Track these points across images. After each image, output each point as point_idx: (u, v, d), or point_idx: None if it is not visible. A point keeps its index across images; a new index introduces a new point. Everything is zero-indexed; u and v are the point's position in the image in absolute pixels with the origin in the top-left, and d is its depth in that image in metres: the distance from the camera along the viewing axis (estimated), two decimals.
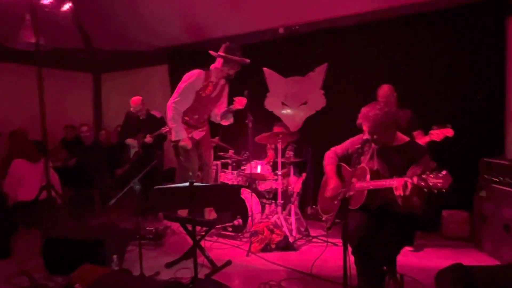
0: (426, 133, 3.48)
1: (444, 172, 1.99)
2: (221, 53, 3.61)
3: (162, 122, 5.20)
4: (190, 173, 3.62)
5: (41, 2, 4.04)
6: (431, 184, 1.98)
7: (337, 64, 5.05)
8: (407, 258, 3.46)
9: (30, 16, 4.14)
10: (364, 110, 2.41)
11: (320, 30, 5.09)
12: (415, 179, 2.03)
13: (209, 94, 3.74)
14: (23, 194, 4.35)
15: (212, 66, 3.71)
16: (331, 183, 2.56)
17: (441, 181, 1.97)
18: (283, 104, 5.46)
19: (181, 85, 3.68)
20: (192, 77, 3.64)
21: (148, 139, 5.15)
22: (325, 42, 5.11)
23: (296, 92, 5.34)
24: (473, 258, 3.47)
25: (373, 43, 4.74)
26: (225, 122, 4.02)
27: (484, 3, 4.12)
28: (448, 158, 4.06)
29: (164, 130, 4.98)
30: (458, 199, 4.06)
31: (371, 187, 2.28)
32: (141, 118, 5.36)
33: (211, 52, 3.65)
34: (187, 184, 2.58)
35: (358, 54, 4.83)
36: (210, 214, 3.48)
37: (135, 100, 5.35)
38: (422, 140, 3.38)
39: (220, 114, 3.95)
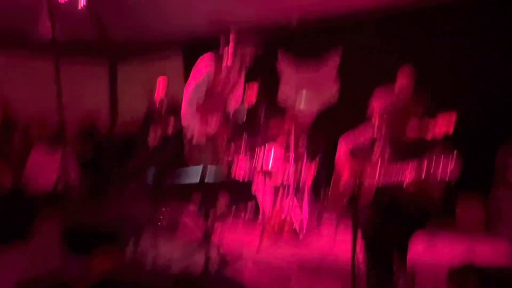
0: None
1: (454, 155, 1.94)
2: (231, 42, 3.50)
3: None
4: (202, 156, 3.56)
5: None
6: (442, 166, 1.94)
7: (351, 56, 4.99)
8: (419, 249, 3.39)
9: (47, 7, 4.23)
10: (373, 101, 2.39)
11: (334, 22, 5.02)
12: (425, 164, 2.00)
13: (221, 84, 3.68)
14: (43, 181, 4.49)
15: (223, 50, 3.55)
16: (344, 177, 2.54)
17: (451, 163, 1.92)
18: (296, 94, 5.43)
19: (194, 74, 3.60)
20: (204, 66, 3.52)
21: (170, 130, 5.08)
22: (339, 34, 5.08)
23: (310, 82, 5.31)
24: (488, 248, 3.40)
25: (387, 35, 4.69)
26: (238, 119, 3.93)
27: None
28: (466, 146, 4.01)
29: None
30: (474, 186, 4.00)
31: (381, 182, 2.26)
32: (163, 111, 5.32)
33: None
34: (199, 168, 2.57)
35: (372, 46, 4.77)
36: (222, 202, 3.49)
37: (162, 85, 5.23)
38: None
39: (232, 112, 3.84)
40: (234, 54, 3.48)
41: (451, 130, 3.40)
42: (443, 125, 3.35)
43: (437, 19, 4.46)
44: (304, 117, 5.23)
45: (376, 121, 2.41)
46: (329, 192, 2.78)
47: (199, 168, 3.62)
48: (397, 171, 2.23)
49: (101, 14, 6.07)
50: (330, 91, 5.18)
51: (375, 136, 2.40)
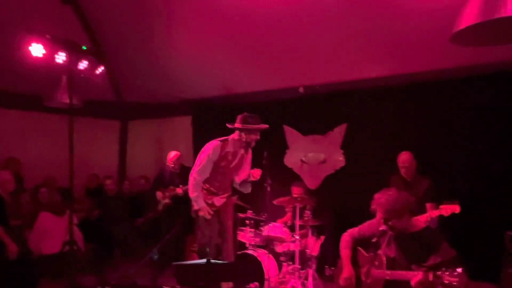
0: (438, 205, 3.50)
1: (459, 270, 1.97)
2: (237, 125, 3.71)
3: None
4: (207, 249, 3.64)
5: (78, 67, 4.32)
6: (446, 282, 1.96)
7: (357, 125, 5.11)
8: None
9: (67, 78, 4.45)
10: (376, 196, 2.45)
11: (340, 91, 5.20)
12: (430, 276, 2.01)
13: (228, 164, 3.82)
14: (47, 247, 4.50)
15: (230, 137, 3.82)
16: (346, 272, 2.54)
17: (456, 279, 1.94)
18: (302, 161, 5.51)
19: (200, 155, 3.79)
20: (209, 149, 3.73)
21: (180, 191, 5.13)
22: (345, 102, 5.21)
23: (316, 150, 5.40)
24: None
25: (393, 107, 4.80)
26: (243, 191, 4.06)
27: (506, 73, 4.15)
28: (473, 230, 4.01)
29: None
30: (483, 270, 3.94)
31: (388, 277, 2.26)
32: (174, 171, 5.40)
33: (228, 124, 3.74)
34: (204, 261, 2.62)
35: (378, 117, 4.88)
36: (227, 286, 3.48)
37: (173, 156, 5.33)
38: (433, 213, 3.44)
39: (239, 183, 4.01)
40: (238, 140, 3.75)
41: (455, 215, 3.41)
42: (446, 213, 3.37)
43: (440, 95, 4.58)
44: (310, 184, 5.29)
45: (380, 216, 2.45)
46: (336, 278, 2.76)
47: (204, 248, 3.71)
48: (406, 266, 2.23)
49: (117, 79, 6.38)
50: (336, 159, 5.25)
51: (380, 230, 2.42)
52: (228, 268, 2.83)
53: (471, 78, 4.35)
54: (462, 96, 4.42)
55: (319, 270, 4.57)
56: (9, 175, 4.10)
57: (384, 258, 2.35)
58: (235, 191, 4.66)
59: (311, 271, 4.19)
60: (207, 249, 3.58)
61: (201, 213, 3.74)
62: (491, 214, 4.05)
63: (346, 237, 2.76)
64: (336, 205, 4.75)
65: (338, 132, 5.22)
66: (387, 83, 4.83)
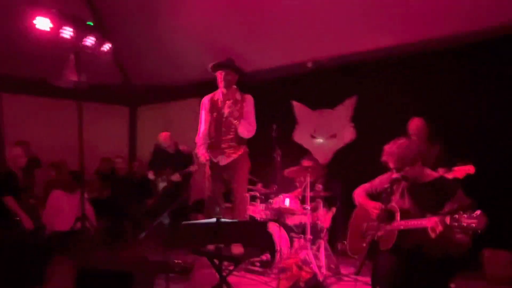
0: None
1: (478, 212, 1.89)
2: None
3: (190, 159, 5.27)
4: (217, 209, 3.63)
5: (84, 43, 4.32)
6: (464, 224, 1.89)
7: (366, 97, 5.03)
8: None
9: (74, 56, 4.46)
10: (386, 147, 2.39)
11: (348, 63, 5.11)
12: (447, 219, 1.94)
13: (219, 111, 3.85)
14: (60, 224, 4.54)
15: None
16: (370, 205, 2.48)
17: (475, 221, 1.87)
18: (312, 136, 5.45)
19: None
20: (202, 103, 4.01)
21: (176, 177, 5.20)
22: (354, 75, 5.13)
23: (325, 124, 5.33)
24: None
25: (403, 77, 4.71)
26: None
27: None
28: (490, 195, 3.90)
29: (192, 169, 5.05)
30: (501, 237, 3.85)
31: (402, 227, 2.19)
32: (169, 152, 5.44)
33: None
34: (213, 220, 2.59)
35: (388, 88, 4.79)
36: (237, 248, 3.44)
37: (164, 136, 5.44)
38: (446, 175, 3.30)
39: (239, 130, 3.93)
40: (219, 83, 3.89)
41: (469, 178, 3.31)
42: (460, 175, 3.27)
43: (450, 62, 4.46)
44: (320, 159, 5.22)
45: (391, 165, 2.38)
46: (348, 236, 2.71)
47: (213, 209, 3.70)
48: (420, 216, 2.16)
49: (123, 61, 6.39)
50: (346, 133, 5.17)
51: (393, 178, 2.35)
52: (238, 228, 2.79)
53: (481, 43, 4.23)
54: (473, 61, 4.30)
55: (331, 243, 4.53)
56: (20, 151, 4.14)
57: (397, 209, 2.29)
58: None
59: (322, 243, 4.15)
60: (217, 209, 3.56)
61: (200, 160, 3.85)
62: (507, 178, 3.93)
63: (359, 191, 2.71)
64: (347, 177, 4.67)
65: (348, 105, 5.14)
66: (396, 53, 4.74)
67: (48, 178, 5.01)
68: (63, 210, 4.55)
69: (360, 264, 2.15)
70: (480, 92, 4.25)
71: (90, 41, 4.32)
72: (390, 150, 2.34)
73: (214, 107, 3.89)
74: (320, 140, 5.40)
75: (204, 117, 3.96)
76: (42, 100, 6.49)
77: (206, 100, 4.04)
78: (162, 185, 5.39)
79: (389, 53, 4.77)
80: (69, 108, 5.41)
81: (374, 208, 2.43)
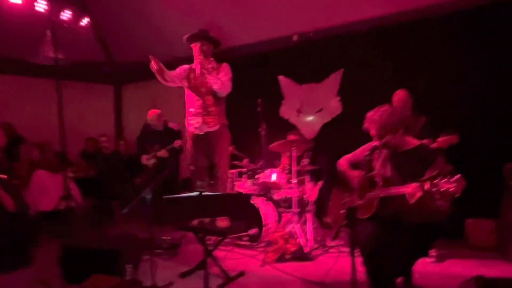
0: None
1: (457, 177, 1.89)
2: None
3: (178, 135, 5.20)
4: (201, 183, 3.62)
5: (61, 17, 4.17)
6: (443, 189, 1.88)
7: (353, 70, 4.98)
8: (428, 269, 3.31)
9: (51, 31, 4.31)
10: (369, 114, 2.37)
11: (334, 36, 5.03)
12: (427, 185, 1.94)
13: (194, 80, 3.88)
14: (45, 204, 4.50)
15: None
16: (352, 173, 2.47)
17: (453, 185, 1.86)
18: (298, 111, 5.41)
19: None
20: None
21: (163, 153, 5.14)
22: (339, 48, 5.06)
23: (312, 99, 5.28)
24: (499, 269, 3.28)
25: (388, 48, 4.65)
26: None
27: (499, 4, 3.98)
28: (473, 164, 3.94)
29: (176, 144, 4.99)
30: (482, 206, 3.92)
31: (382, 195, 2.20)
32: (158, 130, 5.37)
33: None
34: (195, 193, 2.57)
35: (374, 60, 4.74)
36: (222, 222, 3.45)
37: (152, 114, 5.33)
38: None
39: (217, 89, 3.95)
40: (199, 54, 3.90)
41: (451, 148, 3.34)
42: (444, 145, 3.30)
43: (435, 32, 4.42)
44: (307, 134, 5.21)
45: (373, 133, 2.37)
46: (329, 206, 2.72)
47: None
48: (401, 184, 2.16)
49: (106, 37, 6.21)
50: (333, 107, 5.14)
51: (373, 146, 2.34)
52: (221, 201, 2.78)
53: (465, 11, 4.18)
54: (458, 30, 4.27)
55: (317, 216, 4.57)
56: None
57: (379, 178, 2.29)
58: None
59: (309, 216, 4.18)
60: (199, 183, 3.56)
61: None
62: (490, 148, 3.97)
63: (342, 162, 2.71)
64: (334, 150, 4.66)
65: (334, 79, 5.09)
66: (381, 24, 4.66)
67: (31, 158, 4.91)
68: (47, 190, 4.49)
69: (337, 230, 2.16)
70: (465, 62, 4.23)
71: (66, 15, 4.16)
72: (372, 117, 2.32)
73: (191, 75, 3.83)
74: (306, 115, 5.37)
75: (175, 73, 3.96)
76: (23, 80, 6.32)
77: (182, 69, 4.03)
78: (151, 162, 5.32)
79: (375, 24, 4.70)
80: (51, 87, 5.29)
81: (356, 177, 2.43)
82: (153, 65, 3.66)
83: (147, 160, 5.32)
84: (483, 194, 3.90)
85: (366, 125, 2.37)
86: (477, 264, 3.48)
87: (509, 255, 3.51)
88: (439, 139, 3.41)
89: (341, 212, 2.20)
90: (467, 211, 3.94)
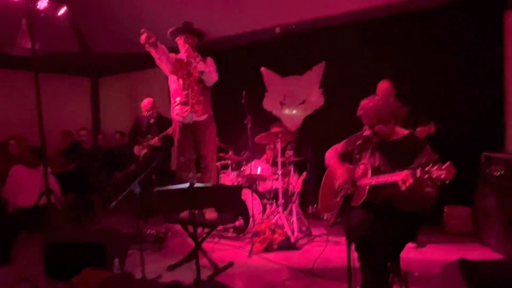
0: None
1: (447, 163, 1.96)
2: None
3: (171, 123, 5.10)
4: (190, 174, 3.60)
5: (37, 7, 4.01)
6: (434, 176, 1.95)
7: (335, 62, 5.05)
8: (411, 254, 3.45)
9: (26, 21, 4.14)
10: (363, 102, 2.41)
11: (316, 28, 5.08)
12: (418, 172, 2.01)
13: (183, 72, 3.83)
14: (23, 200, 4.34)
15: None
16: (340, 169, 2.52)
17: (444, 172, 1.93)
18: (281, 103, 5.45)
19: None
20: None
21: (155, 141, 5.04)
22: (322, 40, 5.11)
23: (294, 91, 5.33)
24: (477, 253, 3.46)
25: (370, 41, 4.75)
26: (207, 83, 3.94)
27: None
28: (448, 153, 4.07)
29: (170, 130, 4.90)
30: (459, 194, 4.07)
31: (373, 183, 2.25)
32: (151, 121, 5.25)
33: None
34: (186, 185, 2.57)
35: (356, 52, 4.82)
36: (211, 214, 3.45)
37: (148, 103, 5.19)
38: None
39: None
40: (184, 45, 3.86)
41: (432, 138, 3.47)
42: (422, 136, 3.43)
43: (416, 25, 4.54)
44: (290, 126, 5.26)
45: (365, 121, 2.42)
46: (320, 195, 2.77)
47: (185, 176, 3.68)
48: (390, 172, 2.22)
49: (82, 27, 6.01)
50: (315, 99, 5.21)
51: (365, 135, 2.39)
52: (211, 193, 2.78)
53: (445, 6, 4.31)
54: (439, 23, 4.41)
55: (302, 207, 4.65)
56: None
57: (368, 166, 2.35)
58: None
59: (294, 207, 4.24)
60: (190, 174, 3.54)
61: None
62: (467, 137, 4.15)
63: (330, 152, 2.75)
64: (317, 142, 4.74)
65: (317, 71, 5.15)
66: (363, 17, 4.74)
67: (8, 152, 4.73)
68: (26, 186, 4.33)
69: (335, 217, 2.21)
70: (443, 53, 4.37)
71: (42, 4, 4.01)
72: (367, 105, 2.36)
73: (178, 64, 3.80)
74: (289, 107, 5.41)
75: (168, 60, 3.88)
76: None
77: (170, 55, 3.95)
78: (142, 152, 5.20)
79: (357, 17, 4.76)
80: (26, 79, 5.09)
81: (341, 175, 2.47)
82: (143, 36, 3.59)
83: (139, 150, 5.21)
84: (460, 182, 4.05)
85: (359, 112, 2.42)
86: (456, 248, 3.65)
87: (484, 240, 3.69)
88: (418, 130, 3.54)
89: (336, 200, 2.26)
90: (445, 199, 4.10)
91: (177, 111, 3.78)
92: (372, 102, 2.35)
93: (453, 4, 4.27)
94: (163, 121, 5.18)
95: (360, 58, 4.78)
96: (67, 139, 6.07)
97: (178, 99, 3.79)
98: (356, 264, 2.21)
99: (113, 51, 6.60)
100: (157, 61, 3.81)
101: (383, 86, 3.88)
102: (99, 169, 5.52)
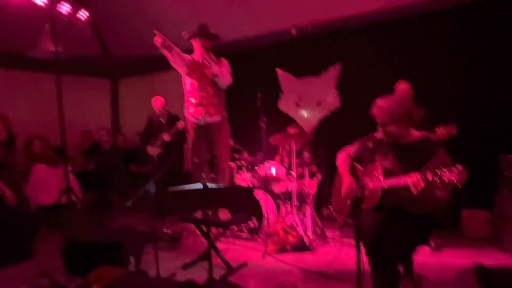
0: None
1: (459, 167, 1.94)
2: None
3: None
4: (204, 174, 3.65)
5: (60, 11, 4.15)
6: (445, 179, 1.94)
7: (350, 63, 5.02)
8: (426, 258, 3.39)
9: (49, 25, 4.29)
10: (378, 100, 2.40)
11: (332, 30, 5.07)
12: (429, 175, 1.99)
13: (198, 73, 3.89)
14: (44, 198, 4.50)
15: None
16: (345, 182, 2.52)
17: (455, 175, 1.92)
18: (296, 105, 5.45)
19: None
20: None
21: (166, 137, 5.09)
22: (338, 41, 5.09)
23: (310, 92, 5.32)
24: (494, 259, 3.37)
25: (387, 42, 4.70)
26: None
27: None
28: (467, 155, 4.00)
29: (180, 125, 4.96)
30: (478, 197, 3.99)
31: (386, 186, 2.24)
32: (163, 121, 5.31)
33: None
34: (200, 185, 2.61)
35: (372, 54, 4.78)
36: (224, 215, 3.49)
37: (159, 102, 5.27)
38: None
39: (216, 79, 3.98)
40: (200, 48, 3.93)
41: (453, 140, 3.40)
42: (443, 137, 3.36)
43: (433, 26, 4.47)
44: (305, 128, 5.25)
45: (379, 119, 2.41)
46: (332, 196, 2.77)
47: (198, 175, 3.73)
48: (403, 175, 2.21)
49: (102, 31, 6.17)
50: (331, 100, 5.19)
51: (378, 138, 2.38)
52: (225, 194, 2.82)
53: (467, 5, 4.23)
54: (456, 24, 4.32)
55: (316, 208, 4.63)
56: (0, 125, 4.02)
57: (380, 169, 2.33)
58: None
59: (309, 208, 4.23)
60: (203, 174, 3.59)
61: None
62: (486, 140, 4.06)
63: (343, 154, 2.75)
64: (332, 144, 4.71)
65: (333, 72, 5.12)
66: (380, 18, 4.70)
67: (32, 151, 4.88)
68: (47, 184, 4.49)
69: (343, 220, 2.21)
70: (462, 55, 4.29)
71: (65, 8, 4.14)
72: (381, 104, 2.35)
73: (193, 66, 3.85)
74: (305, 108, 5.41)
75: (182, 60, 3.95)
76: (20, 74, 6.27)
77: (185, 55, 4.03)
78: (156, 152, 5.25)
79: (373, 18, 4.73)
80: (48, 81, 5.25)
81: (348, 186, 2.47)
82: (158, 40, 3.67)
83: (152, 150, 5.28)
84: (478, 185, 3.97)
85: (373, 110, 2.41)
86: (473, 253, 3.57)
87: (503, 245, 3.60)
88: (439, 131, 3.46)
89: (347, 202, 2.25)
90: (463, 202, 4.03)
91: (191, 112, 3.84)
92: (386, 100, 2.34)
93: (470, 4, 4.19)
94: (175, 120, 5.24)
95: (376, 59, 4.74)
96: (87, 139, 6.25)
97: (192, 100, 3.84)
98: (367, 268, 2.20)
99: (132, 54, 6.76)
100: (172, 63, 3.88)
101: (401, 87, 3.83)
102: (118, 169, 5.64)
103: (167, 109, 5.36)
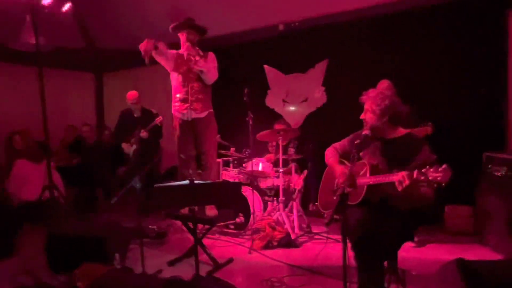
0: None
1: (444, 166, 1.97)
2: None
3: (157, 116, 5.07)
4: (190, 171, 3.62)
5: (41, 3, 4.03)
6: (430, 178, 1.96)
7: (337, 60, 5.04)
8: (410, 253, 3.45)
9: (31, 16, 4.17)
10: (370, 90, 2.45)
11: (320, 26, 5.07)
12: (415, 173, 2.01)
13: (184, 67, 3.81)
14: (27, 193, 4.40)
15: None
16: (338, 171, 2.53)
17: (440, 174, 1.94)
18: (284, 101, 5.45)
19: None
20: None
21: (144, 133, 4.97)
22: (325, 38, 5.10)
23: (297, 89, 5.33)
24: (476, 253, 3.46)
25: (373, 39, 4.73)
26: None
27: None
28: (450, 152, 4.06)
29: (158, 120, 4.88)
30: (460, 193, 4.06)
31: (371, 182, 2.26)
32: (135, 116, 5.22)
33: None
34: (187, 181, 2.58)
35: (359, 50, 4.81)
36: (211, 211, 3.48)
37: (132, 94, 5.17)
38: None
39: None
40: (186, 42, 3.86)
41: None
42: (421, 136, 3.42)
43: (419, 23, 4.52)
44: (292, 123, 5.26)
45: (366, 106, 2.44)
46: (319, 192, 2.78)
47: (186, 172, 3.69)
48: (389, 171, 2.23)
49: (86, 23, 6.04)
50: (318, 96, 5.20)
51: (364, 134, 2.40)
52: (212, 190, 2.80)
53: (448, 4, 4.29)
54: (440, 22, 4.39)
55: (303, 204, 4.66)
56: None
57: (367, 166, 2.35)
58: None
59: (295, 204, 4.25)
60: (190, 171, 3.56)
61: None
62: (469, 137, 4.13)
63: (330, 150, 2.76)
64: (319, 140, 4.74)
65: (319, 69, 5.14)
66: (367, 15, 4.72)
67: (12, 146, 4.76)
68: (30, 180, 4.39)
69: (331, 216, 2.22)
70: (446, 53, 4.36)
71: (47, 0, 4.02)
72: (371, 94, 2.42)
73: (179, 60, 3.79)
74: (292, 104, 5.42)
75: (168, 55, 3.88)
76: (1, 66, 6.10)
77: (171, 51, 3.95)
78: (131, 149, 5.14)
79: (360, 14, 4.75)
80: (31, 74, 5.13)
81: (339, 175, 2.49)
82: (151, 45, 3.58)
83: (127, 148, 5.16)
84: (461, 182, 4.04)
85: (363, 97, 2.47)
86: (456, 248, 3.65)
87: (485, 240, 3.69)
88: (415, 130, 3.51)
89: (334, 198, 2.26)
90: (446, 198, 4.10)
91: (177, 108, 3.79)
92: (376, 92, 2.41)
93: (456, 2, 4.25)
94: (148, 114, 5.15)
95: (363, 56, 4.77)
96: (70, 133, 6.11)
97: (178, 95, 3.80)
98: (353, 263, 2.22)
99: (117, 47, 6.63)
100: (157, 59, 3.81)
101: (383, 85, 3.87)
102: (102, 164, 5.55)
103: (140, 103, 5.22)
